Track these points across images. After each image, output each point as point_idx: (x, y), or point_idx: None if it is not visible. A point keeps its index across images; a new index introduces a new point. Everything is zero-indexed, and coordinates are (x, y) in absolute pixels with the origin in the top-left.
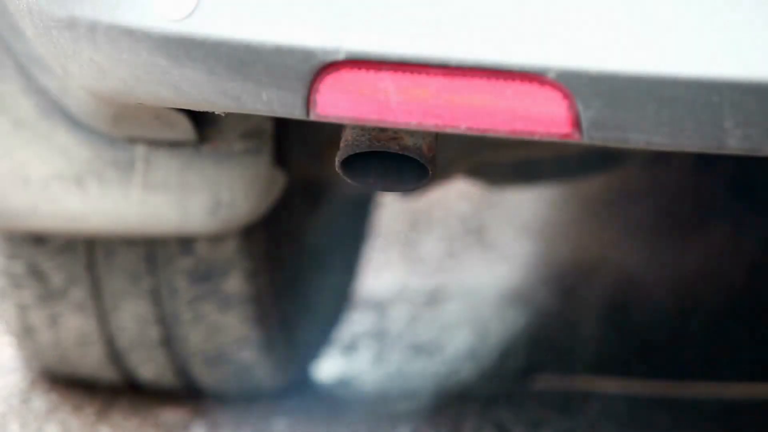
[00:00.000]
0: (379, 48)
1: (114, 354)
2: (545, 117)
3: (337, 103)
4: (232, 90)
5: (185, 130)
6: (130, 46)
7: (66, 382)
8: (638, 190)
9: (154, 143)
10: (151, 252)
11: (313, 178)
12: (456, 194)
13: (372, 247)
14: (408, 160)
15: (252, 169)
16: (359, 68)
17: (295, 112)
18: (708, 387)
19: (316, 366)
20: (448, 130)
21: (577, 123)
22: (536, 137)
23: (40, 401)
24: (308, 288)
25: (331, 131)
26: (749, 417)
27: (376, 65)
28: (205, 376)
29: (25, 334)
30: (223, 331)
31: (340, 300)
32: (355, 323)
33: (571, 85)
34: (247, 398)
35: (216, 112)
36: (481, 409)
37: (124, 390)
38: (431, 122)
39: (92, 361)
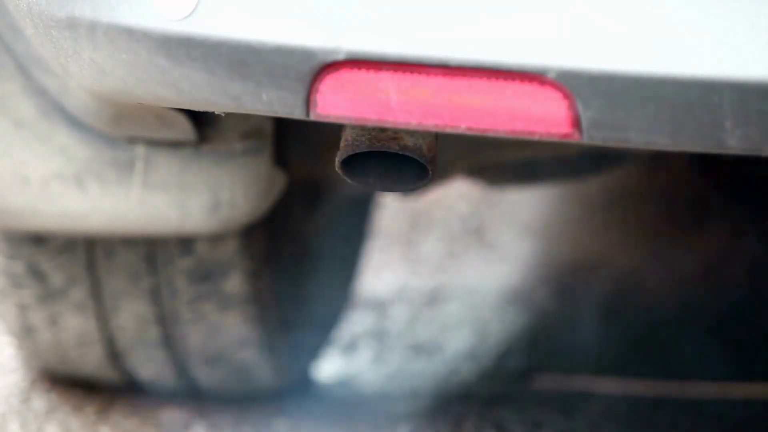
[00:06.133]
0: (379, 48)
1: (114, 354)
2: (545, 117)
3: (337, 103)
4: (232, 90)
5: (185, 130)
6: (130, 46)
7: (66, 382)
8: (638, 191)
9: (154, 143)
10: (151, 252)
11: (313, 178)
12: (456, 194)
13: (372, 247)
14: (408, 160)
15: (252, 169)
16: (359, 68)
17: (295, 112)
18: (708, 387)
19: (316, 366)
20: (448, 130)
21: (577, 123)
22: (536, 137)
23: (40, 401)
24: (308, 288)
25: (331, 131)
26: (749, 417)
27: (376, 65)
28: (205, 376)
29: (25, 334)
30: (223, 331)
31: (340, 300)
32: (355, 323)
33: (571, 85)
34: (247, 398)
35: (216, 112)
36: (481, 409)
37: (124, 390)
38: (431, 122)
39: (92, 361)
